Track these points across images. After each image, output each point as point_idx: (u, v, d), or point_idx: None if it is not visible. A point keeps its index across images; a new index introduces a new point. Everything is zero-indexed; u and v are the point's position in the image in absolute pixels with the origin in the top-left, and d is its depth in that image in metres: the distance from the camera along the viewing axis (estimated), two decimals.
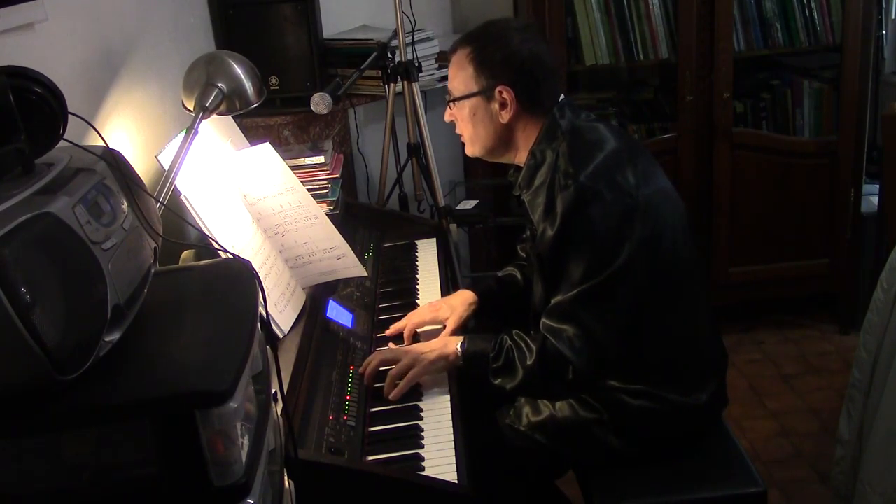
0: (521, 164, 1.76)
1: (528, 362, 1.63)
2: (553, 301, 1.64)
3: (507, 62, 1.69)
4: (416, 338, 1.87)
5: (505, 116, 1.72)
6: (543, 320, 1.65)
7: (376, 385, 1.68)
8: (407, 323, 1.87)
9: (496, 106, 1.72)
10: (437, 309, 1.90)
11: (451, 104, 1.79)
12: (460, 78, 1.75)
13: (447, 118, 1.83)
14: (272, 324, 1.58)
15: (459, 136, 1.84)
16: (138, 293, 0.98)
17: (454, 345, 1.70)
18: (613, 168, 1.62)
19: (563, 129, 1.70)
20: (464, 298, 1.93)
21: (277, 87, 2.62)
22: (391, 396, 1.63)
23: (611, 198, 1.59)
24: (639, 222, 1.60)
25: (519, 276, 2.01)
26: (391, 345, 1.84)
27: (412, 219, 2.53)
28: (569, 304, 1.61)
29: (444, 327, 1.86)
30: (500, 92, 1.70)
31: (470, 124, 1.77)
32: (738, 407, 2.75)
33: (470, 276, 3.13)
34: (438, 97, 2.58)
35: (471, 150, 1.82)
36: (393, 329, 1.88)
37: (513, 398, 1.82)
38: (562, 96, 1.76)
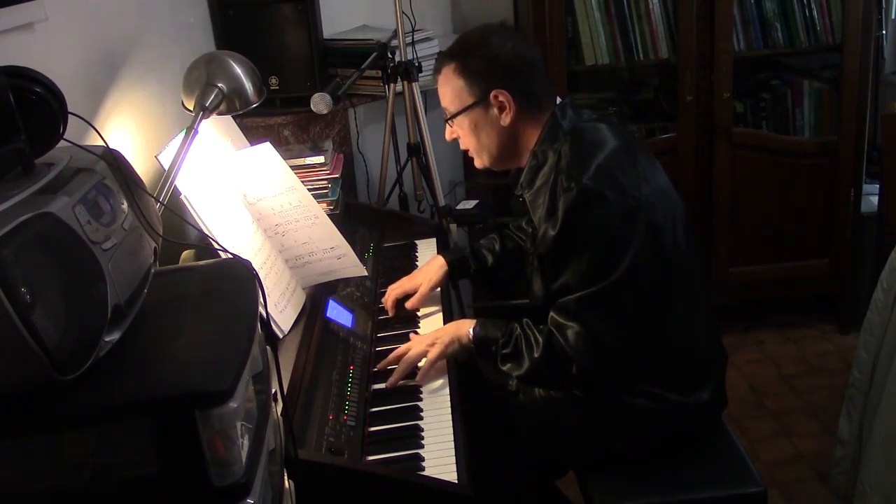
0: (524, 166, 1.76)
1: (535, 355, 1.66)
2: (560, 301, 1.65)
3: (492, 65, 1.70)
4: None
5: (506, 119, 1.71)
6: (551, 314, 1.66)
7: (375, 387, 1.68)
8: (389, 295, 1.99)
9: (495, 111, 1.72)
10: (413, 276, 2.03)
11: (451, 122, 1.79)
12: (452, 94, 1.75)
13: (449, 137, 1.83)
14: (272, 324, 1.58)
15: (465, 150, 1.84)
16: (138, 293, 0.98)
17: (467, 328, 1.74)
18: (615, 169, 1.62)
19: (564, 129, 1.70)
20: (437, 264, 2.06)
21: (277, 87, 2.62)
22: (418, 378, 1.68)
23: (614, 199, 1.59)
24: (641, 223, 1.60)
25: (498, 245, 2.09)
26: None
27: (412, 219, 2.53)
28: (574, 304, 1.62)
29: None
30: (496, 96, 1.70)
31: (473, 136, 1.77)
32: (738, 407, 2.75)
33: None
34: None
35: (479, 163, 1.83)
36: (388, 308, 1.98)
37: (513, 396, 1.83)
38: (559, 99, 1.75)
